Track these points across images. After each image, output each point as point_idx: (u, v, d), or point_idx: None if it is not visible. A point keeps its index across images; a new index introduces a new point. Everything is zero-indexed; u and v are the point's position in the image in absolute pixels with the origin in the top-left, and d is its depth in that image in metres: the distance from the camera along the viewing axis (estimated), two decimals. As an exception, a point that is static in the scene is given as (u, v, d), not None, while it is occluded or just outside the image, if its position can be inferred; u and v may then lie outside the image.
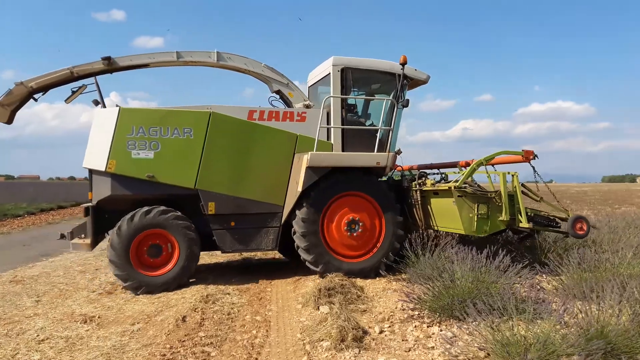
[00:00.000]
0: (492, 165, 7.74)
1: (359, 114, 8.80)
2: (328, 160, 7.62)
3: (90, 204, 7.40)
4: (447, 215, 7.60)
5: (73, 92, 7.84)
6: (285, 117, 7.92)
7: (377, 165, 7.82)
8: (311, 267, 7.60)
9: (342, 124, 8.01)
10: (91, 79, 7.82)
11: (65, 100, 7.91)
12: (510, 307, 4.57)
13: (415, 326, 5.29)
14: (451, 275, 5.66)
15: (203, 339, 5.04)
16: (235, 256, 10.42)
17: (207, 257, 10.12)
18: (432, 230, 8.14)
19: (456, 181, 7.42)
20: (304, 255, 7.59)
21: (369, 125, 8.59)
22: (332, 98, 7.91)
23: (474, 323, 4.55)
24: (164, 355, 4.63)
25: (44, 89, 7.78)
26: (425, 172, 8.78)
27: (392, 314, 5.73)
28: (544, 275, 6.82)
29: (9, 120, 7.85)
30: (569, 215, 7.77)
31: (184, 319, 5.58)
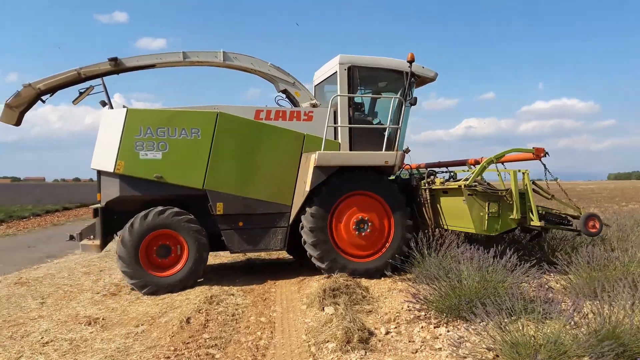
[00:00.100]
0: (502, 163, 7.68)
1: (366, 112, 8.74)
2: (336, 159, 7.57)
3: (99, 205, 7.39)
4: (457, 214, 7.54)
5: (80, 93, 7.83)
6: (292, 116, 7.87)
7: (386, 164, 7.75)
8: (320, 267, 7.57)
9: (350, 123, 7.96)
10: (98, 80, 7.80)
11: (73, 102, 7.91)
12: (518, 307, 4.50)
13: (422, 327, 5.23)
14: (458, 275, 5.59)
15: (207, 340, 4.99)
16: (239, 257, 10.38)
17: (211, 258, 10.06)
18: (437, 230, 8.06)
19: (466, 179, 7.35)
20: (312, 253, 7.55)
21: (376, 124, 8.53)
22: (339, 97, 7.85)
23: (481, 323, 4.47)
24: (168, 357, 4.59)
25: (52, 90, 7.77)
26: (434, 171, 8.72)
27: (398, 314, 5.66)
28: (552, 274, 6.73)
29: (18, 122, 7.86)
30: (580, 213, 7.69)
31: (188, 320, 5.54)
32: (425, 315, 5.53)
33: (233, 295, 6.82)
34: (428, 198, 8.15)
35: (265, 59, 8.42)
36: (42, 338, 5.26)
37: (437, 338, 4.94)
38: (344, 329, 4.79)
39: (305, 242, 7.61)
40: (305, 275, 7.84)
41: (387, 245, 7.76)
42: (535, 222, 7.25)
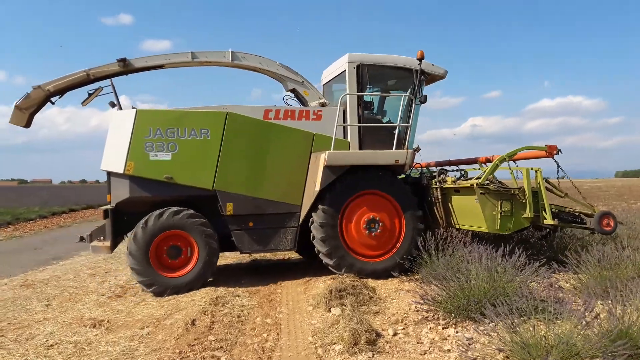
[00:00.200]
0: (514, 161, 7.61)
1: (375, 111, 8.68)
2: (346, 158, 7.53)
3: (109, 206, 7.38)
4: (470, 213, 7.47)
5: (89, 95, 7.82)
6: (301, 115, 7.82)
7: (396, 163, 7.70)
8: (332, 269, 7.53)
9: (359, 122, 7.90)
10: (107, 81, 7.79)
11: (82, 103, 7.88)
12: (529, 307, 4.42)
13: (430, 328, 5.16)
14: (466, 275, 5.51)
15: (213, 343, 4.93)
16: (244, 257, 10.34)
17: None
18: (444, 229, 7.98)
19: (478, 178, 7.28)
20: (322, 255, 7.52)
21: (385, 123, 8.47)
22: (348, 95, 7.79)
23: (491, 324, 4.39)
24: (173, 360, 4.54)
25: (61, 92, 7.76)
26: (445, 169, 8.65)
27: (405, 315, 5.59)
28: (561, 273, 6.63)
29: (27, 124, 7.87)
30: (594, 211, 7.62)
31: (193, 322, 5.48)
32: (434, 316, 5.45)
33: (239, 296, 6.77)
34: (439, 197, 8.08)
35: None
36: (46, 341, 5.22)
37: (446, 339, 4.87)
38: (351, 331, 4.72)
39: (318, 252, 7.60)
40: (312, 276, 7.78)
41: (398, 245, 7.70)
42: (549, 220, 7.18)
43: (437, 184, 8.05)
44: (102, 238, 7.62)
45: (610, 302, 4.24)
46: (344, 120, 7.87)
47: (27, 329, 5.75)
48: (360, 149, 7.86)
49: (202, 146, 7.38)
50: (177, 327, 5.41)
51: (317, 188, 7.37)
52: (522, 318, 4.34)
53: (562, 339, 3.80)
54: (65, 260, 11.02)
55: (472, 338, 4.71)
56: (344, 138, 7.88)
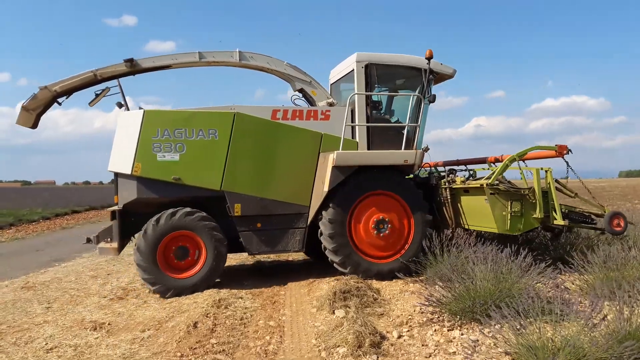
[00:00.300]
0: (524, 160, 7.55)
1: (383, 110, 8.62)
2: (354, 159, 7.49)
3: (116, 207, 7.33)
4: (479, 214, 7.42)
5: (97, 95, 7.79)
6: (309, 115, 7.77)
7: (405, 163, 7.64)
8: (340, 269, 7.49)
9: (367, 122, 7.84)
10: (114, 82, 7.75)
11: (90, 103, 7.86)
12: (536, 309, 4.34)
13: (435, 330, 5.09)
14: (472, 276, 5.44)
15: (215, 346, 4.87)
16: (248, 258, 10.27)
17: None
18: (449, 230, 7.92)
19: (488, 178, 7.22)
20: (331, 257, 7.48)
21: (394, 122, 8.41)
22: (356, 95, 7.74)
23: (497, 326, 4.32)
24: (175, 363, 4.48)
25: (68, 92, 7.73)
26: (454, 169, 8.60)
27: (410, 317, 5.52)
28: (566, 274, 6.55)
29: (34, 125, 7.84)
30: (604, 212, 7.56)
31: (195, 325, 5.42)
32: (439, 317, 5.39)
33: (241, 298, 6.70)
34: (448, 197, 8.03)
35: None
36: (46, 344, 5.16)
37: (451, 342, 4.80)
38: (355, 333, 4.65)
39: (325, 249, 7.55)
40: (316, 277, 7.72)
41: (407, 246, 7.66)
42: (559, 221, 7.14)
43: (446, 184, 8.00)
44: (109, 239, 7.57)
45: (617, 303, 4.17)
46: (352, 120, 7.82)
47: (27, 332, 5.69)
48: (368, 149, 7.81)
49: (210, 147, 7.33)
50: (179, 329, 5.36)
51: (326, 188, 7.32)
52: (528, 320, 4.27)
53: (568, 341, 3.73)
54: (67, 262, 10.97)
55: (478, 340, 4.64)
56: (352, 138, 7.83)
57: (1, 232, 17.69)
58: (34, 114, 7.68)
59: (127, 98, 7.69)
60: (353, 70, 7.84)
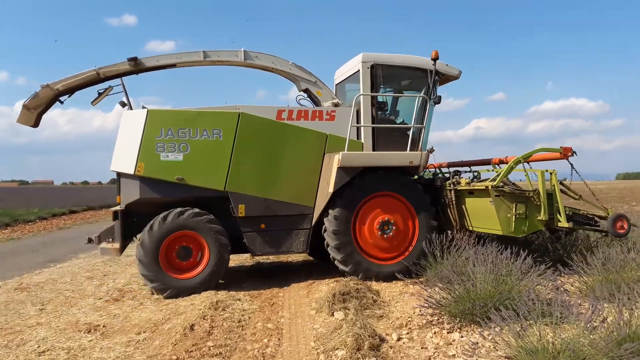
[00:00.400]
0: (528, 162, 7.54)
1: (389, 111, 8.58)
2: (360, 160, 7.45)
3: (118, 207, 7.26)
4: (484, 216, 7.41)
5: (99, 94, 7.71)
6: (314, 116, 7.72)
7: (410, 164, 7.61)
8: (341, 266, 7.44)
9: (373, 123, 7.80)
10: (117, 81, 7.68)
11: (92, 102, 7.78)
12: (536, 311, 4.29)
13: (435, 332, 5.05)
14: (472, 277, 5.38)
15: (212, 349, 4.78)
16: (247, 259, 10.20)
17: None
18: (449, 231, 7.87)
19: (493, 180, 7.22)
20: (333, 253, 7.43)
21: (399, 124, 8.38)
22: (362, 96, 7.69)
23: (497, 329, 4.26)
24: (170, 367, 4.39)
25: (70, 91, 7.65)
26: (458, 171, 8.58)
27: (410, 319, 5.47)
28: (566, 276, 6.51)
29: (36, 124, 7.76)
30: (608, 214, 7.55)
31: (192, 327, 5.33)
32: (438, 320, 5.34)
33: (239, 300, 6.61)
34: (453, 199, 7.99)
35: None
36: (38, 347, 5.05)
37: (451, 344, 4.76)
38: (354, 336, 4.59)
39: (327, 245, 7.50)
40: (315, 279, 7.67)
41: (411, 248, 7.62)
42: (563, 223, 7.14)
43: (451, 185, 7.97)
44: (110, 240, 7.49)
45: (616, 305, 4.13)
46: (358, 121, 7.77)
47: (19, 334, 5.58)
48: (373, 150, 7.78)
49: (214, 147, 7.28)
50: (175, 332, 5.27)
51: (331, 189, 7.28)
52: (528, 322, 4.22)
53: (568, 344, 3.68)
54: (63, 262, 10.86)
55: (478, 343, 4.57)
56: (358, 139, 7.78)
57: (-4, 232, 17.56)
58: (35, 112, 7.59)
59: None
60: (359, 70, 7.80)
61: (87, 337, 5.35)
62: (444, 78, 8.43)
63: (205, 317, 5.65)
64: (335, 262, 7.48)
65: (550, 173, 7.26)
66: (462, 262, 6.09)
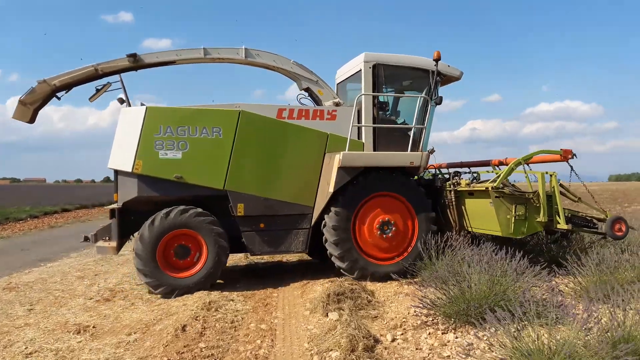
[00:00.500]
0: (528, 164, 7.53)
1: (390, 112, 8.55)
2: (361, 160, 7.42)
3: (115, 205, 7.17)
4: (483, 217, 7.41)
5: (97, 90, 7.60)
6: (315, 115, 7.67)
7: (411, 164, 7.60)
8: (337, 262, 7.40)
9: (374, 122, 7.76)
10: (115, 77, 7.57)
11: (90, 99, 7.68)
12: (531, 312, 4.25)
13: (430, 333, 5.01)
14: (467, 278, 5.34)
15: (203, 350, 4.71)
16: (240, 259, 10.12)
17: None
18: (445, 232, 7.86)
19: (493, 181, 7.21)
20: (330, 249, 7.39)
21: (400, 124, 8.34)
22: (363, 96, 7.64)
23: (491, 330, 4.23)
24: (161, 368, 4.32)
25: (68, 87, 7.55)
26: (458, 172, 8.57)
27: (404, 320, 5.43)
28: (560, 276, 6.50)
29: (32, 120, 7.64)
30: (606, 216, 7.58)
31: (183, 328, 5.25)
32: (433, 320, 5.31)
33: (233, 300, 6.53)
34: (453, 199, 7.98)
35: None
36: (25, 348, 4.95)
37: (446, 345, 4.73)
38: (348, 337, 4.54)
39: (326, 241, 7.45)
40: (310, 279, 7.61)
41: (410, 249, 7.60)
42: (562, 225, 7.14)
43: (451, 186, 7.95)
44: (107, 238, 7.39)
45: (610, 306, 4.12)
46: (359, 121, 7.73)
47: (6, 335, 5.46)
48: (374, 150, 7.74)
49: (214, 145, 7.20)
50: (167, 333, 5.18)
51: (331, 189, 7.25)
52: (523, 323, 4.18)
53: (563, 345, 3.64)
54: (54, 262, 10.69)
55: (472, 344, 4.54)
56: (359, 139, 7.74)
57: (-14, 230, 17.33)
58: (31, 108, 7.48)
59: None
60: (360, 70, 7.75)
61: (77, 338, 5.25)
62: (446, 79, 8.41)
63: (198, 318, 5.57)
64: (332, 258, 7.44)
65: (550, 175, 7.28)
66: (458, 263, 6.05)
